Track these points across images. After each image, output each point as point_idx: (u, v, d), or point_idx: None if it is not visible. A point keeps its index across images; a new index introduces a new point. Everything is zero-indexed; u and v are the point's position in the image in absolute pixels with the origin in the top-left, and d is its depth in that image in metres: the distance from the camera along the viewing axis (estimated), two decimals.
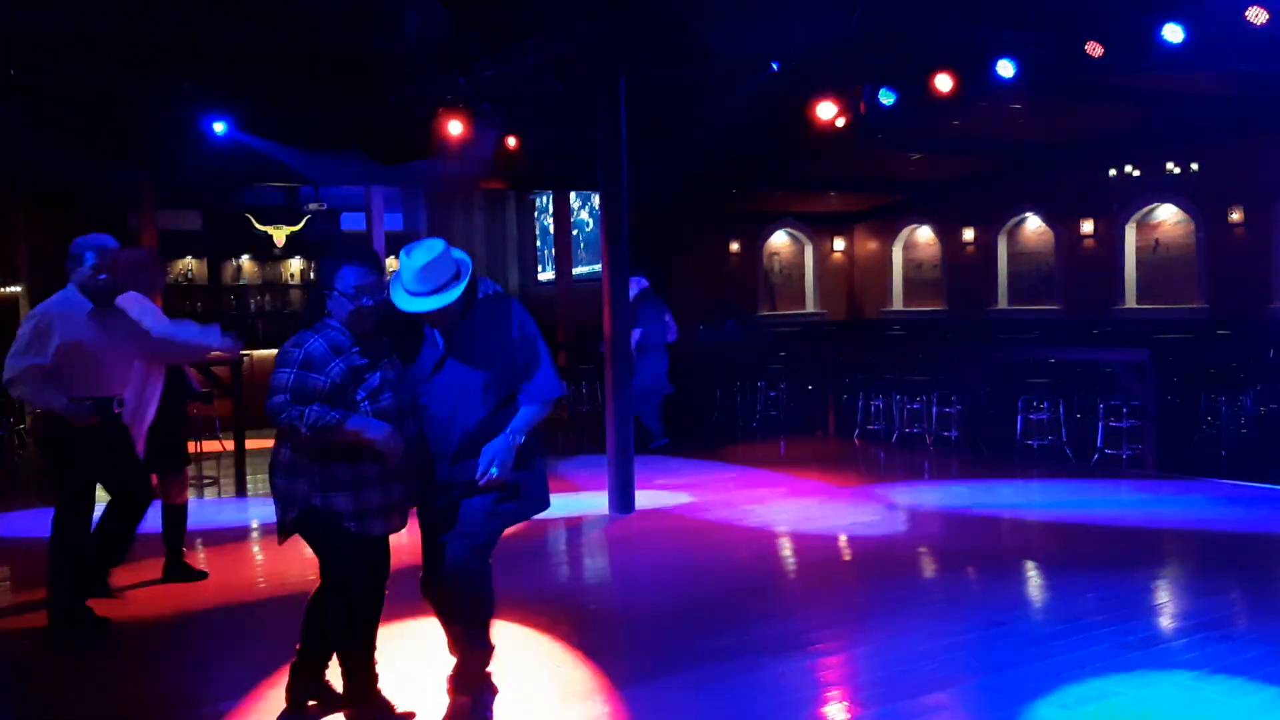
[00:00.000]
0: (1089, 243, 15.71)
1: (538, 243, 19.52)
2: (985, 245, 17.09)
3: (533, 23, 9.58)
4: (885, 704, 4.45)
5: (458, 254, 4.09)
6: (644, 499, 8.75)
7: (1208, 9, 8.96)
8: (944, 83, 11.24)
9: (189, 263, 16.27)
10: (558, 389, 4.22)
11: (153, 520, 6.20)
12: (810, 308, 18.69)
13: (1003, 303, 16.85)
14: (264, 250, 16.75)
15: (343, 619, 4.12)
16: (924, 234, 18.16)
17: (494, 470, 4.05)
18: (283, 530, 4.07)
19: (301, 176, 13.44)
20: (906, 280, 18.49)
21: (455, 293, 3.99)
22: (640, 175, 8.92)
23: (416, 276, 3.96)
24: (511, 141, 13.34)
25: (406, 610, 5.03)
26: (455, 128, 12.04)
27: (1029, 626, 5.55)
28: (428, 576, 4.28)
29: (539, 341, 4.21)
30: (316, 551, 4.11)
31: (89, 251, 5.60)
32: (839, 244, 19.03)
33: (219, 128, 11.50)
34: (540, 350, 4.20)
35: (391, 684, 4.36)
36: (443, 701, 4.30)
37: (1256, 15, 8.29)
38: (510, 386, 4.15)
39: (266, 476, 4.15)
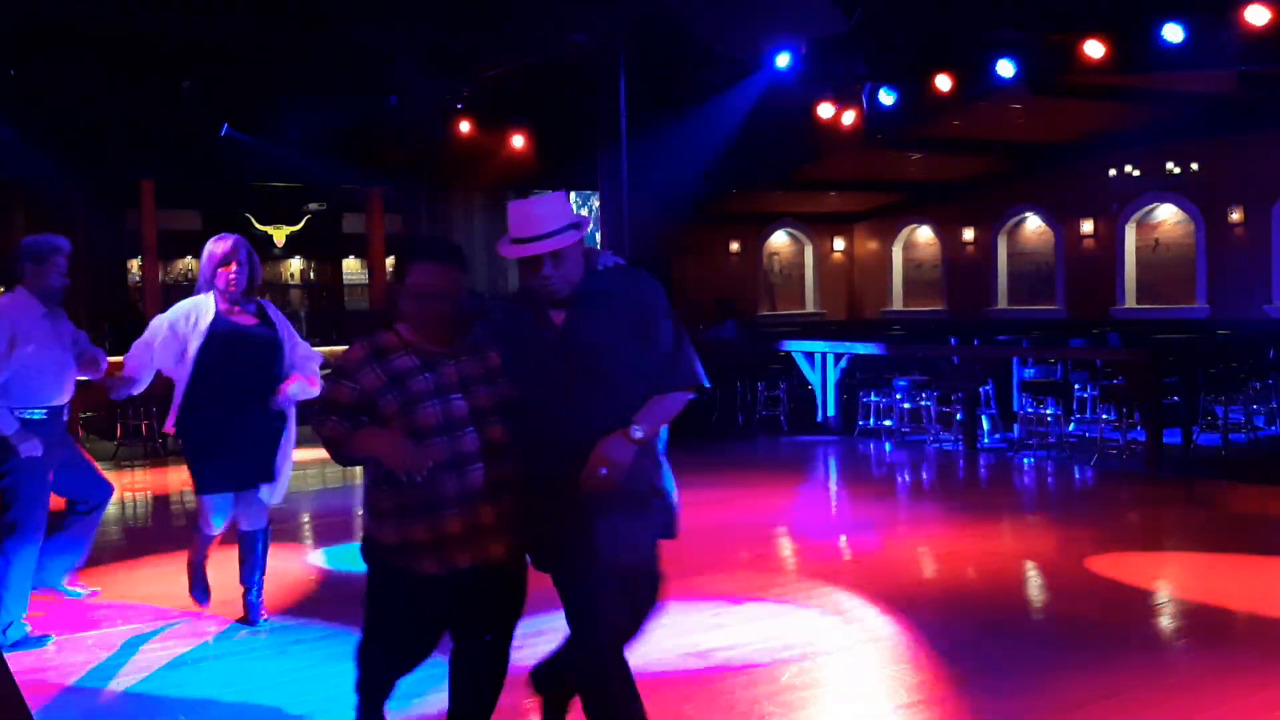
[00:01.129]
0: (1089, 243, 15.72)
1: None
2: (985, 245, 17.09)
3: (534, 23, 9.60)
4: None
5: (572, 205, 3.50)
6: None
7: (1207, 9, 8.98)
8: (944, 83, 11.27)
9: (189, 263, 16.26)
10: (701, 374, 3.47)
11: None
12: (810, 308, 18.70)
13: (1002, 303, 16.86)
14: (264, 250, 16.75)
15: (364, 662, 3.60)
16: (924, 234, 18.16)
17: (602, 470, 3.26)
18: (363, 551, 3.60)
19: (302, 176, 13.45)
20: (906, 280, 18.49)
21: (570, 237, 3.35)
22: (640, 175, 8.93)
23: (524, 220, 3.36)
24: (516, 141, 13.37)
25: None
26: (458, 127, 12.07)
27: None
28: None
29: (674, 318, 3.52)
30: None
31: (58, 253, 5.33)
32: (839, 244, 19.04)
33: (220, 128, 11.52)
34: (678, 328, 3.51)
35: None
36: None
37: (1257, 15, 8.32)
38: (643, 373, 3.44)
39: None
